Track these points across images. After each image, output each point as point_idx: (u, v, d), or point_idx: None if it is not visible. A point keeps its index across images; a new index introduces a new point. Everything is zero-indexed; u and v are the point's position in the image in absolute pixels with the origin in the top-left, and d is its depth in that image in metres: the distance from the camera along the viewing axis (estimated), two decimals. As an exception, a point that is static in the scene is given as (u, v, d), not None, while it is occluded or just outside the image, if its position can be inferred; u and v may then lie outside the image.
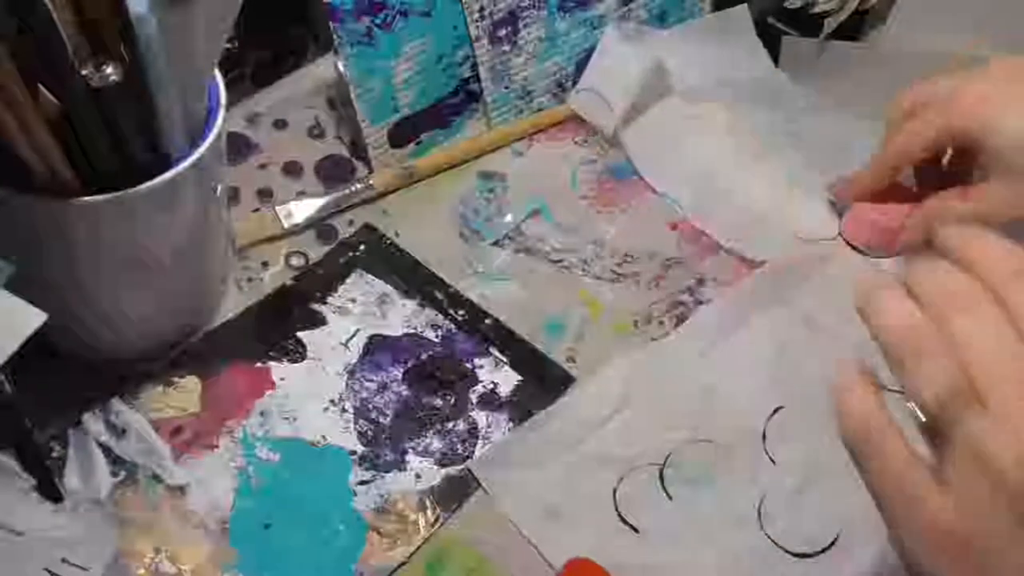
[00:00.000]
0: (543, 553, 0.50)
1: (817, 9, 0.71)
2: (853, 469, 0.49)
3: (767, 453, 0.54)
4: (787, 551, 0.51)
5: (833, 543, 0.51)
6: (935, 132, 0.57)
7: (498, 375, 0.56)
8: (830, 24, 0.72)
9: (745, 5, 0.72)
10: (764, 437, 0.55)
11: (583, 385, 0.56)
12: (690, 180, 0.66)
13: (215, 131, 0.47)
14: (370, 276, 0.60)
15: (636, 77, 0.66)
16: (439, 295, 0.59)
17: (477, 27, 0.64)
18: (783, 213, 0.65)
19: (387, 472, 0.52)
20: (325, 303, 0.58)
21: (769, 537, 0.52)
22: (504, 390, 0.56)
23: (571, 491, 0.52)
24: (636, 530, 0.52)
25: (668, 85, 0.69)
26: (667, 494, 0.53)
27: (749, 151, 0.67)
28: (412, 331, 0.58)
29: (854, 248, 0.63)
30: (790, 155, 0.67)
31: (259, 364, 0.55)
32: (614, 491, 0.53)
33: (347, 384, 0.55)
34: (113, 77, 0.42)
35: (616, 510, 0.52)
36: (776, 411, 0.56)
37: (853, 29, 0.73)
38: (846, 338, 0.57)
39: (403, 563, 0.50)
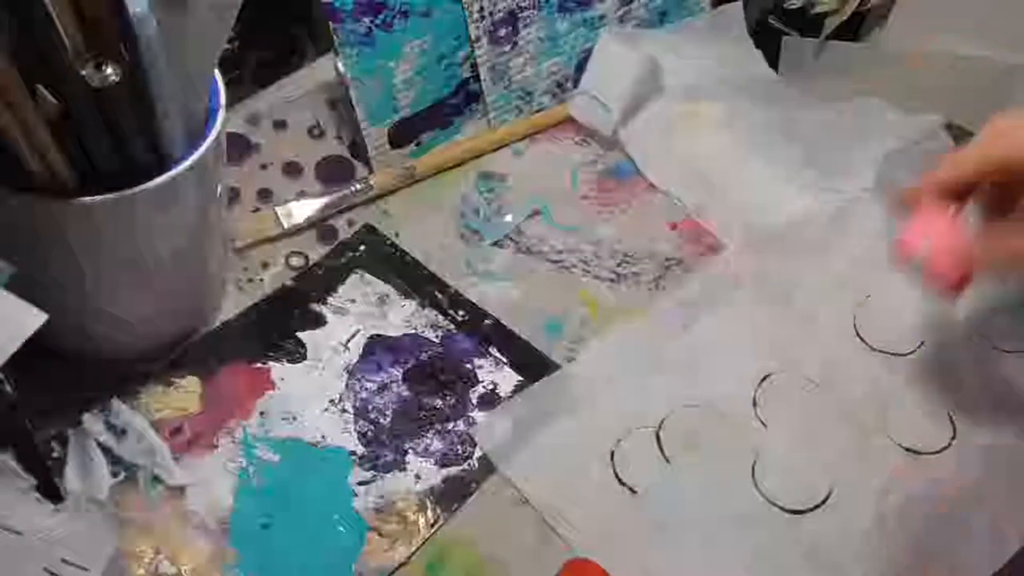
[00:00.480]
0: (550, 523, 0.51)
1: (818, 9, 0.71)
2: (842, 431, 0.54)
3: (759, 418, 0.56)
4: (781, 508, 0.53)
5: (825, 500, 0.53)
6: (973, 164, 0.52)
7: (498, 375, 0.56)
8: (830, 24, 0.72)
9: (740, 3, 0.72)
10: (755, 403, 0.56)
11: (573, 363, 0.57)
12: (691, 177, 0.66)
13: (215, 131, 0.47)
14: (370, 276, 0.60)
15: (632, 77, 0.67)
16: (439, 295, 0.59)
17: (477, 27, 0.64)
18: (780, 210, 0.65)
19: (387, 472, 0.52)
20: (325, 303, 0.58)
21: (763, 495, 0.53)
22: (504, 390, 0.56)
23: (570, 457, 0.53)
24: (634, 491, 0.53)
25: (664, 84, 0.69)
26: (664, 456, 0.54)
27: (747, 148, 0.67)
28: (412, 331, 0.58)
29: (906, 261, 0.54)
30: (789, 153, 0.67)
31: (259, 364, 0.55)
32: (611, 453, 0.54)
33: (347, 384, 0.55)
34: (113, 77, 0.42)
35: (614, 472, 0.53)
36: (765, 378, 0.57)
37: (853, 29, 0.73)
38: (826, 314, 0.60)
39: (403, 563, 0.50)
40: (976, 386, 0.58)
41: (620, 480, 0.53)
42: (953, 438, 0.56)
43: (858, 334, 0.59)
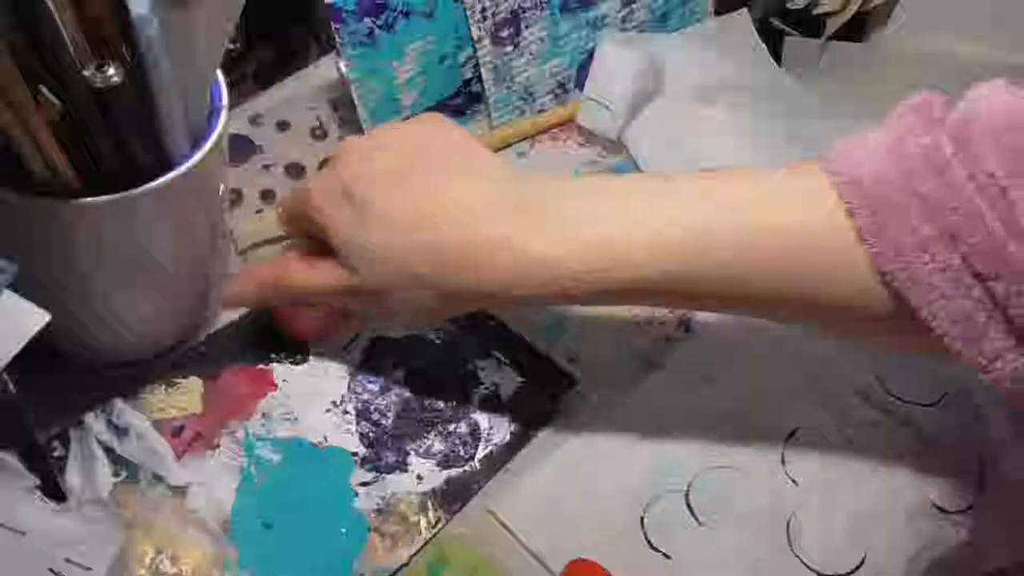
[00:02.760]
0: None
1: (820, 10, 0.71)
2: (874, 480, 0.51)
3: (788, 475, 0.54)
4: (819, 573, 0.51)
5: (861, 564, 0.51)
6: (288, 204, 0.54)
7: (500, 377, 0.56)
8: (832, 25, 0.72)
9: (746, 10, 0.72)
10: (783, 460, 0.55)
11: (585, 424, 0.55)
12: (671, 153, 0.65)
13: (217, 132, 0.47)
14: (372, 277, 0.60)
15: (632, 77, 0.66)
16: (441, 296, 0.59)
17: (479, 28, 0.65)
18: None
19: (388, 473, 0.52)
20: (327, 304, 0.58)
21: (800, 559, 0.51)
22: (506, 392, 0.56)
23: (597, 524, 0.52)
24: (668, 556, 0.51)
25: (666, 85, 0.69)
26: (696, 519, 0.52)
27: (751, 150, 0.67)
28: (414, 333, 0.58)
29: None
30: (791, 154, 0.67)
31: (261, 365, 0.55)
32: (641, 519, 0.52)
33: (349, 385, 0.55)
34: (115, 78, 0.42)
35: (645, 537, 0.52)
36: (793, 432, 0.55)
37: (855, 30, 0.73)
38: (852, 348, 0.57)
39: (404, 564, 0.50)
40: (1005, 430, 0.56)
41: (652, 546, 0.51)
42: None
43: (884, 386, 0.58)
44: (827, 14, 0.72)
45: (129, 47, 0.43)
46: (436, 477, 0.53)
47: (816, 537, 0.52)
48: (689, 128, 0.68)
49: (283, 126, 0.66)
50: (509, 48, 0.66)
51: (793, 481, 0.54)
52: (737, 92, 0.70)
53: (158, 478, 0.51)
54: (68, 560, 0.46)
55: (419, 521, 0.51)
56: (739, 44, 0.72)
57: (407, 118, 0.64)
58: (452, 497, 0.52)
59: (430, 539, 0.51)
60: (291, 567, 0.49)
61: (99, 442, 0.51)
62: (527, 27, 0.66)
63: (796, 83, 0.72)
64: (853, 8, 0.71)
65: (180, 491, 0.50)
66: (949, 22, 0.70)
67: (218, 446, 0.52)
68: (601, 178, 0.61)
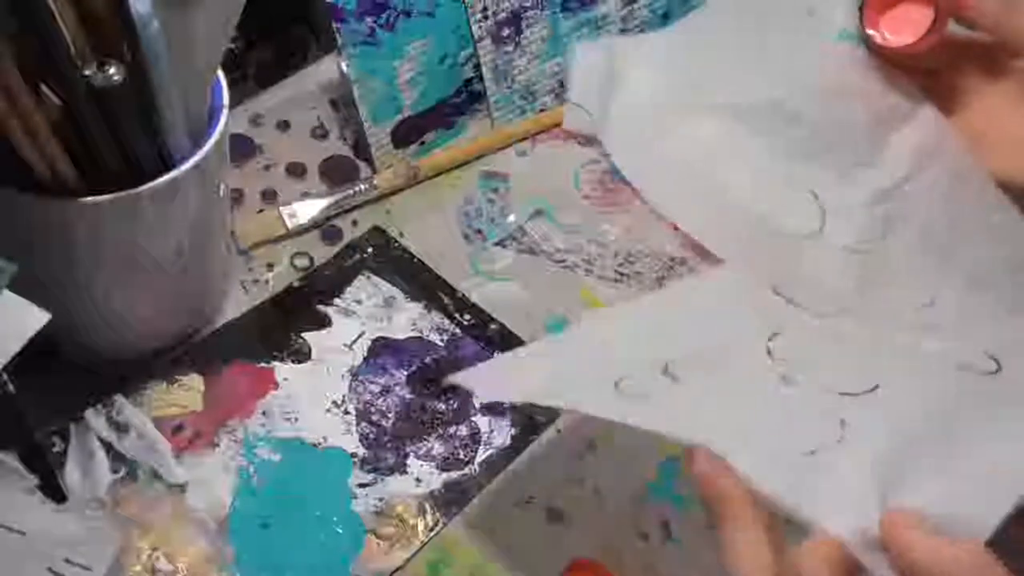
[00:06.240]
0: None
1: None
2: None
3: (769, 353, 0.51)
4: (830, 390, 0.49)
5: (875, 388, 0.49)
6: None
7: (501, 378, 0.56)
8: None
9: None
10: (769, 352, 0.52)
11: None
12: (671, 180, 0.64)
13: (218, 131, 0.47)
14: (377, 279, 0.60)
15: (601, 82, 0.65)
16: (445, 299, 0.59)
17: (480, 27, 0.64)
18: (765, 211, 0.61)
19: (388, 475, 0.52)
20: (331, 305, 0.58)
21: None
22: (507, 395, 0.56)
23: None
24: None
25: (637, 89, 0.67)
26: (672, 378, 0.48)
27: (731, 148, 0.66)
28: (417, 334, 0.58)
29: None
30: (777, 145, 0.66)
31: (262, 364, 0.55)
32: (615, 384, 0.48)
33: (350, 386, 0.55)
34: (116, 77, 0.42)
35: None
36: (773, 336, 0.52)
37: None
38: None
39: (400, 567, 0.50)
40: None
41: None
42: None
43: None
44: (829, 14, 0.71)
45: (130, 47, 0.43)
46: (435, 480, 0.53)
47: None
48: (667, 128, 0.66)
49: (284, 126, 0.66)
50: (510, 47, 0.66)
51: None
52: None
53: (157, 476, 0.51)
54: (68, 560, 0.46)
55: (417, 524, 0.51)
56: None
57: (408, 118, 0.64)
58: (450, 500, 0.52)
59: (427, 542, 0.51)
60: (288, 567, 0.49)
61: (98, 438, 0.51)
62: (528, 26, 0.66)
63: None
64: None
65: (179, 489, 0.50)
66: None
67: (218, 445, 0.52)
68: None
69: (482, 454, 0.54)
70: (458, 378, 0.46)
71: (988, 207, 0.59)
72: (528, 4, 0.66)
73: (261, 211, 0.62)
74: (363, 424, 0.54)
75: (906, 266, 0.59)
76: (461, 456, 0.54)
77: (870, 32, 0.58)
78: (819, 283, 0.58)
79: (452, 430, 0.54)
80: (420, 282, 0.60)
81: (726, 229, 0.61)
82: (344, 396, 0.55)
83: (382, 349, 0.57)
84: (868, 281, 0.58)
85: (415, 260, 0.61)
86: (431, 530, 0.51)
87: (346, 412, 0.54)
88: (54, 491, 0.48)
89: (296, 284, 0.59)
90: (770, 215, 0.61)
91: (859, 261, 0.59)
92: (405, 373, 0.56)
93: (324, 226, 0.62)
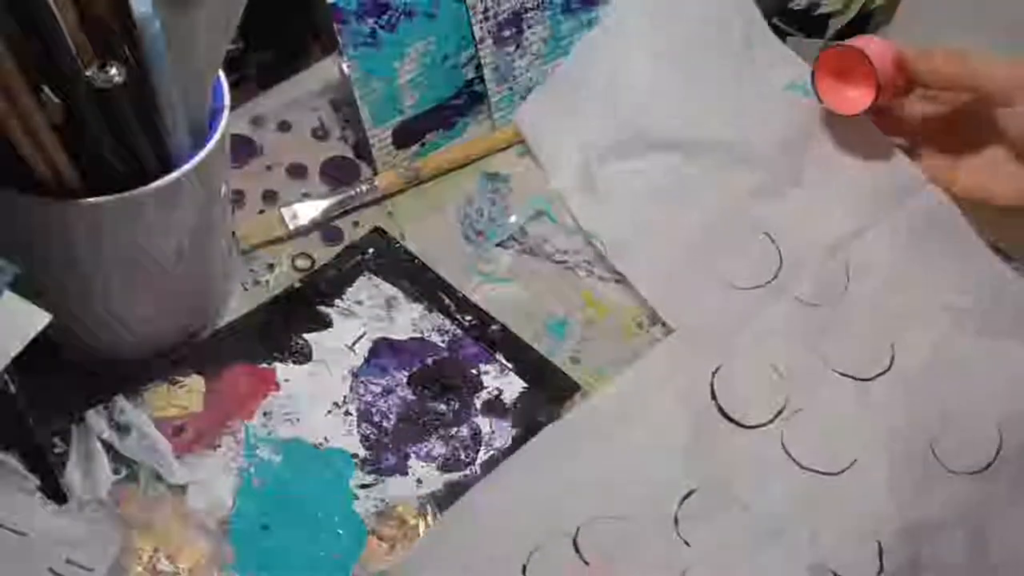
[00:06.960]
0: None
1: (822, 10, 0.71)
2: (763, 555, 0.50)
3: (680, 536, 0.51)
4: None
5: None
6: None
7: (503, 382, 0.56)
8: (835, 25, 0.72)
9: None
10: (676, 521, 0.52)
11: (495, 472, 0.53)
12: (613, 216, 0.62)
13: (219, 132, 0.47)
14: (378, 279, 0.60)
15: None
16: (447, 300, 0.59)
17: (481, 28, 0.64)
18: (715, 257, 0.60)
19: (389, 476, 0.52)
20: (332, 305, 0.58)
21: None
22: (508, 397, 0.56)
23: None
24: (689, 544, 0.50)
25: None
26: (583, 560, 0.50)
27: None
28: (418, 335, 0.58)
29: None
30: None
31: (263, 365, 0.55)
32: (523, 568, 0.49)
33: (351, 387, 0.55)
34: (117, 78, 0.42)
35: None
36: (689, 494, 0.52)
37: (858, 30, 0.73)
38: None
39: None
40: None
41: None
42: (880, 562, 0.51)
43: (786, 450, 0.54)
44: (829, 14, 0.71)
45: (131, 47, 0.43)
46: (436, 481, 0.53)
47: None
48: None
49: (284, 127, 0.66)
50: (511, 48, 0.66)
51: (686, 542, 0.51)
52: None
53: (158, 476, 0.51)
54: (69, 561, 0.46)
55: (418, 525, 0.51)
56: None
57: (409, 119, 0.64)
58: (451, 502, 0.52)
59: (429, 542, 0.51)
60: (288, 568, 0.49)
61: (100, 439, 0.51)
62: (529, 27, 0.66)
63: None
64: (855, 8, 0.71)
65: (180, 490, 0.50)
66: (952, 21, 0.70)
67: (219, 445, 0.52)
68: None
69: (483, 455, 0.54)
70: None
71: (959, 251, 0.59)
72: (529, 5, 0.66)
73: (262, 212, 0.62)
74: (364, 425, 0.54)
75: (869, 317, 0.58)
76: (462, 457, 0.54)
77: (823, 100, 0.63)
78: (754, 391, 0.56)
79: (453, 431, 0.54)
80: (421, 283, 0.60)
81: (677, 286, 0.60)
82: (345, 397, 0.55)
83: (383, 350, 0.57)
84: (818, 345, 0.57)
85: (416, 261, 0.61)
86: (432, 531, 0.51)
87: (347, 413, 0.54)
88: (55, 492, 0.48)
89: (297, 285, 0.59)
90: (722, 260, 0.60)
91: (814, 315, 0.58)
92: (406, 374, 0.56)
93: (325, 227, 0.62)
